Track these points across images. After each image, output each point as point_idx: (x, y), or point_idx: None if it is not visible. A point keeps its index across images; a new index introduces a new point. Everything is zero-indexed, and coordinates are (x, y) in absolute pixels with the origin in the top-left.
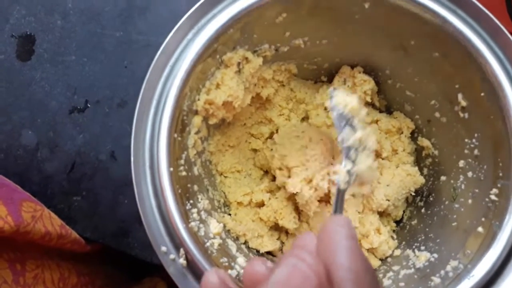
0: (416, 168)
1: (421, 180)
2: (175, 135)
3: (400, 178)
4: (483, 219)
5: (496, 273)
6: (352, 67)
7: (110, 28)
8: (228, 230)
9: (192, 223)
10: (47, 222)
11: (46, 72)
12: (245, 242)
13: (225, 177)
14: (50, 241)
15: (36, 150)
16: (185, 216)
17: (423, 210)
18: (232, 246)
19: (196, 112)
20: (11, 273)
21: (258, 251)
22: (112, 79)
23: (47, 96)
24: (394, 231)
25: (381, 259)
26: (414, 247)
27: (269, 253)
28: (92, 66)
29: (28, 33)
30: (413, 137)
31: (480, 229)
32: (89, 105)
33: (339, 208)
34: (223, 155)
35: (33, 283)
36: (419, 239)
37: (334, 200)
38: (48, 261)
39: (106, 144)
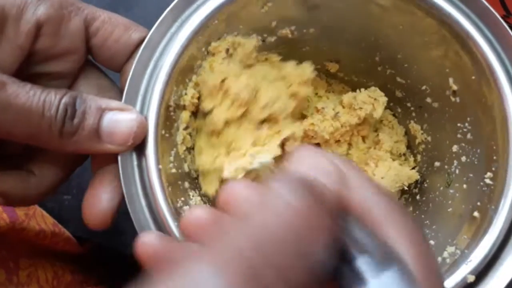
0: (412, 159)
1: (415, 176)
2: (163, 132)
3: (395, 172)
4: (478, 203)
5: (494, 257)
6: None
7: None
8: None
9: None
10: (40, 220)
11: None
12: None
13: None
14: (44, 239)
15: None
16: (177, 214)
17: (418, 197)
18: None
19: (184, 107)
20: (4, 271)
21: None
22: None
23: None
24: None
25: None
26: None
27: None
28: None
29: None
30: (404, 122)
31: (476, 213)
32: None
33: None
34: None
35: (27, 282)
36: None
37: None
38: (41, 259)
39: None
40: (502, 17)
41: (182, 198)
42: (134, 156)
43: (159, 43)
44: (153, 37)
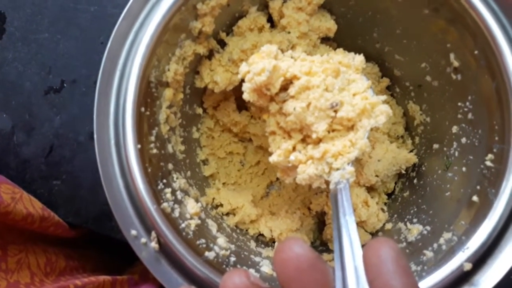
0: (410, 142)
1: (413, 159)
2: (142, 109)
3: (392, 155)
4: (478, 187)
5: (493, 244)
6: None
7: (84, 2)
8: (214, 206)
9: (165, 204)
10: (27, 204)
11: (19, 52)
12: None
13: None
14: (32, 223)
15: (12, 133)
16: (157, 197)
17: (415, 181)
18: (213, 226)
19: (167, 84)
20: None
21: (242, 230)
22: (88, 56)
23: (21, 76)
24: (385, 203)
25: (371, 233)
26: (406, 220)
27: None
28: (67, 43)
29: None
30: (402, 103)
31: (475, 198)
32: (65, 85)
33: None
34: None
35: (16, 268)
36: (412, 211)
37: (341, 201)
38: (32, 246)
39: (85, 125)
40: None
41: (164, 180)
42: (112, 134)
43: (139, 14)
44: (132, 7)
